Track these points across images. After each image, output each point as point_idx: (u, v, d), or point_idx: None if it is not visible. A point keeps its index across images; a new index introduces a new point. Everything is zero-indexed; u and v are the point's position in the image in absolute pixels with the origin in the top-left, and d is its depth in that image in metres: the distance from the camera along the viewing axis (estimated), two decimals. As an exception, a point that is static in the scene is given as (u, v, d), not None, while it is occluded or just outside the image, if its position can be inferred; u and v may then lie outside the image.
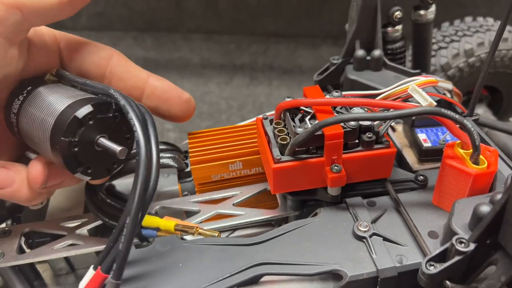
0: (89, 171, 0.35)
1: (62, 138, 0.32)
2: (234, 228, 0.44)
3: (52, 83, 0.38)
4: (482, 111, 0.80)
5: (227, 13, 1.39)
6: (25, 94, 0.36)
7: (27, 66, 0.36)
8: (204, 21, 1.41)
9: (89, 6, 1.39)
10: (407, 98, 0.39)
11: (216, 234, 0.38)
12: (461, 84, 0.72)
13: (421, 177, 0.39)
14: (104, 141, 0.34)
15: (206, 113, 1.11)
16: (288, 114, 0.38)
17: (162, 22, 1.43)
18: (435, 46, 0.74)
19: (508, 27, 0.74)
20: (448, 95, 0.42)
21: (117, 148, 0.33)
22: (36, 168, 0.35)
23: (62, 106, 0.34)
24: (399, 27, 0.51)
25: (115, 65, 0.39)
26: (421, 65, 0.56)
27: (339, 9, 1.31)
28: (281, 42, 1.38)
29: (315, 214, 0.38)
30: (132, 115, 0.32)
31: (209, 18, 1.41)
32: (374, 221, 0.36)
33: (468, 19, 0.78)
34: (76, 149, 0.33)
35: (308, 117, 0.37)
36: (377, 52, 0.48)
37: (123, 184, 0.52)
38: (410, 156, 0.42)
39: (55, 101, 0.34)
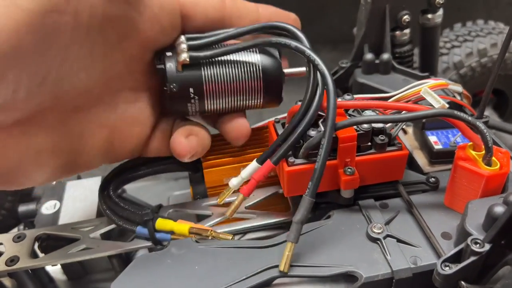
0: None
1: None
2: (245, 231, 0.44)
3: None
4: (488, 114, 0.80)
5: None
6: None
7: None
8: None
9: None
10: (418, 101, 0.39)
11: (230, 237, 0.38)
12: (473, 83, 0.73)
13: (433, 179, 0.39)
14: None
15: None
16: (300, 117, 0.38)
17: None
18: (448, 45, 0.75)
19: None
20: (458, 97, 0.42)
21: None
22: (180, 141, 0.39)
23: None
24: (407, 30, 0.51)
25: (230, 4, 0.39)
26: (429, 68, 0.57)
27: (338, 15, 1.32)
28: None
29: (328, 217, 0.39)
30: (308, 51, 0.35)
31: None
32: (387, 223, 0.37)
33: (480, 21, 0.79)
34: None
35: (321, 120, 0.38)
36: (385, 56, 0.49)
37: (134, 188, 0.53)
38: (421, 159, 0.42)
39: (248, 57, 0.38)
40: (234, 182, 0.38)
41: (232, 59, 0.38)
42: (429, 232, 0.35)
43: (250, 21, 0.40)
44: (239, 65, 0.38)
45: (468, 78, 0.72)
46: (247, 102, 0.40)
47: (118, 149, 0.39)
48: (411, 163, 0.43)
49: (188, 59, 0.36)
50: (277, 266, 0.34)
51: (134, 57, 0.37)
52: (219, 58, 0.38)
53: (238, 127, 0.41)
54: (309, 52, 0.35)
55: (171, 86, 0.37)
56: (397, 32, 0.51)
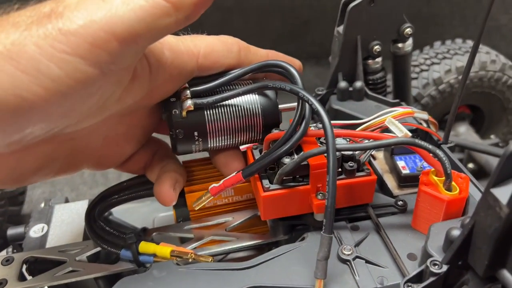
0: None
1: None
2: (227, 252, 0.46)
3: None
4: (464, 129, 0.84)
5: (212, 35, 1.44)
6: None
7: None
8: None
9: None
10: (386, 128, 0.42)
11: (210, 260, 0.40)
12: (452, 99, 0.76)
13: (401, 202, 0.42)
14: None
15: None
16: (276, 145, 0.41)
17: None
18: (428, 62, 0.78)
19: (494, 51, 0.79)
20: (424, 124, 0.45)
21: None
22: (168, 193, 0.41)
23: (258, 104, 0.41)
24: (379, 59, 0.54)
25: (244, 57, 0.41)
26: (401, 94, 0.60)
27: (320, 31, 1.36)
28: (266, 63, 1.43)
29: (303, 239, 0.41)
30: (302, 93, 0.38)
31: (197, 39, 1.46)
32: (357, 245, 0.39)
33: (459, 40, 0.83)
34: None
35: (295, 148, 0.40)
36: (358, 84, 0.52)
37: (120, 210, 0.54)
38: (390, 182, 0.45)
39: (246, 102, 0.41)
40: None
41: (233, 104, 0.41)
42: (395, 253, 0.37)
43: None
44: (239, 105, 0.41)
45: (446, 94, 0.75)
46: (247, 138, 0.43)
47: (97, 165, 0.42)
48: (382, 186, 0.46)
49: (192, 106, 0.39)
50: (253, 287, 0.36)
51: (140, 107, 0.39)
52: (221, 105, 0.40)
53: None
54: (302, 93, 0.38)
55: (177, 132, 0.39)
56: (370, 61, 0.54)
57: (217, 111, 0.40)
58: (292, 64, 0.42)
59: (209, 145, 0.42)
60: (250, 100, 0.41)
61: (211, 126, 0.40)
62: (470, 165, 0.73)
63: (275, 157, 0.38)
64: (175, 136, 0.40)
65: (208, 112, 0.40)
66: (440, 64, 0.76)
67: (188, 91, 0.39)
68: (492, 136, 0.82)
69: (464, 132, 0.80)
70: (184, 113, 0.39)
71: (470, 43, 0.82)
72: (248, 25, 1.43)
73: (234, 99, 0.41)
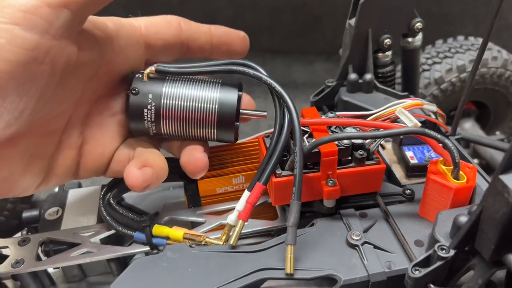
0: None
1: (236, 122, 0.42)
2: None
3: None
4: (470, 125, 0.84)
5: (224, 30, 1.46)
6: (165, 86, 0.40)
7: (120, 58, 0.40)
8: (202, 38, 1.47)
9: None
10: (396, 119, 0.43)
11: (221, 243, 0.41)
12: (454, 98, 0.77)
13: (408, 191, 0.43)
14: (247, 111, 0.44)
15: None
16: (287, 132, 0.42)
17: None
18: (429, 61, 0.79)
19: (497, 47, 0.79)
20: (433, 116, 0.46)
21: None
22: (134, 176, 0.40)
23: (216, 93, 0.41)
24: (388, 53, 0.55)
25: (186, 29, 0.43)
26: (410, 87, 0.60)
27: (331, 27, 1.37)
28: (277, 58, 1.43)
29: (312, 224, 0.42)
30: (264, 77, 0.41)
31: (207, 35, 1.47)
32: (365, 231, 0.40)
33: (460, 37, 0.83)
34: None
35: (306, 135, 0.41)
36: (368, 76, 0.53)
37: (132, 197, 0.56)
38: (398, 172, 0.46)
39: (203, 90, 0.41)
40: (232, 218, 0.39)
41: (192, 89, 0.41)
42: (403, 239, 0.38)
43: (204, 41, 0.44)
44: (198, 97, 0.41)
45: (449, 92, 0.76)
46: (201, 132, 0.42)
47: (83, 168, 0.42)
48: (390, 176, 0.47)
49: (154, 69, 0.40)
50: (264, 269, 0.37)
51: (101, 85, 0.41)
52: (181, 84, 0.41)
53: (194, 161, 0.42)
54: (265, 78, 0.41)
55: (133, 90, 0.40)
56: (380, 54, 0.55)
57: (175, 89, 0.41)
58: (236, 35, 0.45)
59: (162, 127, 0.41)
60: (210, 97, 0.41)
61: (166, 100, 0.40)
62: (475, 161, 0.74)
63: (277, 156, 0.39)
64: (130, 94, 0.40)
65: (167, 89, 0.41)
66: (441, 63, 0.76)
67: (154, 66, 0.41)
68: (498, 133, 0.83)
69: (469, 128, 0.81)
70: (145, 77, 0.41)
71: (472, 40, 0.83)
72: (259, 21, 1.43)
73: (195, 91, 0.41)
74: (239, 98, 0.42)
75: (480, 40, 0.81)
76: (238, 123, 0.43)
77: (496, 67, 0.74)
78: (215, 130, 0.42)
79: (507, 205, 0.28)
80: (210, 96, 0.41)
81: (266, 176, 0.39)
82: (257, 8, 1.41)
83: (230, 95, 0.41)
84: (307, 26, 1.42)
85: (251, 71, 0.41)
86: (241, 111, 0.43)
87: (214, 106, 0.41)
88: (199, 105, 0.41)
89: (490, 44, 0.80)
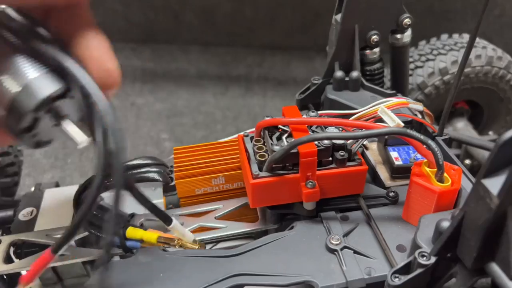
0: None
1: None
2: (217, 240, 0.46)
3: None
4: (463, 125, 0.82)
5: (223, 25, 1.43)
6: None
7: None
8: (201, 33, 1.45)
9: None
10: (380, 118, 0.41)
11: (197, 247, 0.40)
12: (439, 101, 0.75)
13: (392, 193, 0.41)
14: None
15: (202, 123, 1.13)
16: (267, 132, 0.40)
17: (160, 34, 1.46)
18: (412, 66, 0.77)
19: (482, 43, 0.77)
20: (420, 116, 0.44)
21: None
22: None
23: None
24: (376, 49, 0.53)
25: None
26: (399, 85, 0.59)
27: (331, 24, 1.35)
28: (276, 55, 1.41)
29: (292, 228, 0.40)
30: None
31: (206, 30, 1.44)
32: (346, 235, 0.38)
33: (444, 36, 0.81)
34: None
35: (285, 135, 0.39)
36: (355, 74, 0.51)
37: (111, 196, 0.54)
38: (383, 173, 0.44)
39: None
40: None
41: None
42: (385, 244, 0.37)
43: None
44: None
45: (433, 96, 0.73)
46: None
47: None
48: (375, 177, 0.45)
49: None
50: (239, 275, 0.36)
51: None
52: None
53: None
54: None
55: None
56: (367, 51, 0.53)
57: None
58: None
59: None
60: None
61: None
62: (467, 161, 0.72)
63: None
64: None
65: None
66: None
67: None
68: (491, 133, 0.81)
69: (462, 128, 0.79)
70: None
71: (455, 37, 0.79)
72: (259, 16, 1.41)
73: None
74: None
75: (465, 36, 0.78)
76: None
77: (481, 65, 0.72)
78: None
79: (489, 211, 0.27)
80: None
81: (59, 245, 0.32)
82: (256, 4, 1.39)
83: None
84: (307, 22, 1.40)
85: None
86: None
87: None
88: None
89: (494, 46, 0.77)
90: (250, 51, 1.41)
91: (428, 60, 0.74)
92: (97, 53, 0.33)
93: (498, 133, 0.81)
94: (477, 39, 0.77)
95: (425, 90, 0.72)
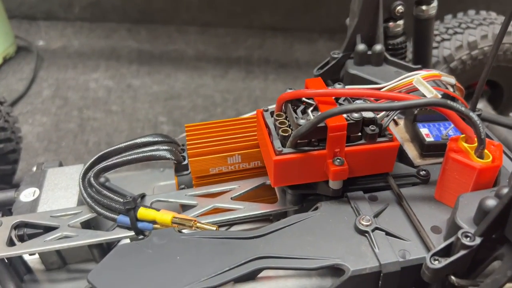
0: None
1: None
2: (231, 223, 0.43)
3: None
4: (482, 106, 0.80)
5: (223, 5, 1.39)
6: None
7: None
8: (199, 13, 1.40)
9: (82, -2, 1.38)
10: (410, 91, 0.38)
11: (214, 228, 0.37)
12: (464, 77, 0.72)
13: (423, 172, 0.38)
14: None
15: (201, 106, 1.10)
16: (290, 105, 0.37)
17: (157, 13, 1.42)
18: (438, 38, 0.74)
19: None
20: (451, 89, 0.41)
21: None
22: None
23: None
24: (400, 22, 0.50)
25: None
26: (422, 60, 0.56)
27: (336, 3, 1.31)
28: (278, 36, 1.38)
29: (316, 208, 0.38)
30: None
31: (205, 10, 1.40)
32: (376, 216, 0.36)
33: (471, 12, 0.78)
34: None
35: (311, 108, 0.37)
36: (378, 47, 0.48)
37: (118, 178, 0.51)
38: (411, 151, 0.42)
39: None
40: None
41: None
42: (419, 225, 0.34)
43: None
44: None
45: (459, 71, 0.71)
46: None
47: None
48: (402, 156, 0.42)
49: None
50: (262, 258, 0.33)
51: None
52: None
53: None
54: None
55: None
56: (391, 23, 0.50)
57: None
58: None
59: None
60: None
61: None
62: (491, 141, 0.70)
63: None
64: None
65: None
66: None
67: None
68: (511, 114, 0.78)
69: (481, 109, 0.76)
70: None
71: (484, 14, 0.77)
72: (262, -5, 1.37)
73: None
74: None
75: (493, 14, 0.75)
76: None
77: (510, 42, 0.69)
78: None
79: (548, 186, 0.24)
80: None
81: None
82: (258, -17, 1.35)
83: None
84: (309, 3, 1.36)
85: None
86: None
87: None
88: None
89: (502, 18, 0.74)
90: (250, 32, 1.38)
91: (456, 33, 0.71)
92: None
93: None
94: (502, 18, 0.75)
95: (451, 64, 0.69)
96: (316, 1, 1.36)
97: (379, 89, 0.40)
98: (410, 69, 0.47)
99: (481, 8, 0.81)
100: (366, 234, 0.34)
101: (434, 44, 0.71)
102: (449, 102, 0.32)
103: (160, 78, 1.20)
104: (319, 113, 0.35)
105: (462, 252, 0.29)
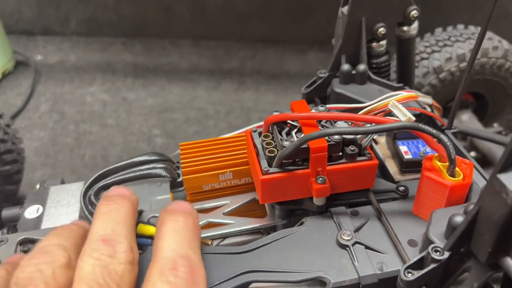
0: None
1: None
2: (224, 236, 0.45)
3: None
4: (467, 117, 0.82)
5: (215, 18, 1.42)
6: None
7: None
8: (192, 26, 1.44)
9: (78, 12, 1.41)
10: (389, 112, 0.41)
11: (209, 242, 0.39)
12: (452, 87, 0.74)
13: (402, 187, 0.41)
14: None
15: (194, 119, 1.12)
16: (275, 127, 0.40)
17: (151, 27, 1.45)
18: (428, 50, 0.76)
19: (498, 37, 0.77)
20: (429, 109, 0.44)
21: None
22: None
23: None
24: (383, 42, 0.53)
25: None
26: (405, 78, 0.58)
27: (325, 16, 1.34)
28: (269, 48, 1.41)
29: (302, 223, 0.40)
30: None
31: (197, 23, 1.43)
32: (357, 230, 0.38)
33: (460, 26, 0.81)
34: None
35: (295, 130, 0.39)
36: (362, 67, 0.50)
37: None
38: (392, 167, 0.44)
39: None
40: None
41: None
42: (396, 239, 0.37)
43: None
44: None
45: (447, 82, 0.73)
46: None
47: None
48: (383, 171, 0.45)
49: None
50: (250, 272, 0.35)
51: None
52: None
53: None
54: None
55: None
56: (374, 44, 0.53)
57: None
58: None
59: None
60: None
61: None
62: (472, 153, 0.72)
63: None
64: None
65: None
66: (440, 52, 0.74)
67: None
68: (495, 125, 0.81)
69: (467, 120, 0.79)
70: None
71: (472, 29, 0.80)
72: (251, 9, 1.40)
73: None
74: None
75: (479, 28, 0.78)
76: None
77: (497, 57, 0.72)
78: None
79: (505, 206, 0.27)
80: None
81: None
82: (248, -4, 1.38)
83: None
84: (300, 15, 1.39)
85: None
86: None
87: None
88: None
89: (490, 34, 0.77)
90: (242, 44, 1.41)
91: (445, 45, 0.74)
92: None
93: (503, 126, 0.81)
94: (491, 34, 0.78)
95: (440, 74, 0.72)
96: (306, 13, 1.39)
97: (360, 109, 0.43)
98: (392, 88, 0.50)
99: (466, 18, 0.84)
100: (347, 248, 0.36)
101: (425, 55, 0.74)
102: (420, 125, 0.35)
103: (154, 90, 1.23)
104: (302, 135, 0.37)
105: (432, 266, 0.32)
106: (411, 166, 0.43)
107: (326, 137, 0.37)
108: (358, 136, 0.38)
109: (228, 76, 1.30)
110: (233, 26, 1.44)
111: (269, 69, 1.31)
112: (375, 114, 0.41)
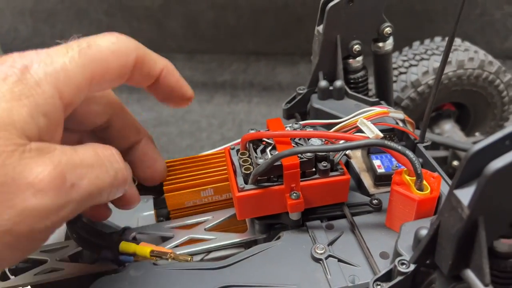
0: None
1: None
2: (208, 251, 0.47)
3: None
4: (450, 126, 0.84)
5: (207, 33, 1.44)
6: None
7: None
8: (185, 41, 1.46)
9: (73, 29, 1.43)
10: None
11: (189, 259, 0.41)
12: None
13: (376, 200, 0.42)
14: None
15: (187, 132, 1.14)
16: (251, 145, 0.41)
17: (144, 43, 1.47)
18: (406, 64, 0.78)
19: (474, 47, 0.79)
20: (401, 124, 0.45)
21: None
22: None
23: None
24: (359, 58, 0.55)
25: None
26: (383, 92, 0.60)
27: (314, 28, 1.36)
28: (261, 60, 1.43)
29: (278, 238, 0.41)
30: None
31: (190, 38, 1.46)
32: (331, 243, 0.39)
33: (438, 38, 0.82)
34: None
35: (269, 148, 0.41)
36: (338, 83, 0.52)
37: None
38: (367, 180, 0.45)
39: None
40: None
41: None
42: (368, 252, 0.38)
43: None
44: None
45: (426, 95, 0.75)
46: None
47: None
48: (359, 184, 0.46)
49: None
50: (227, 287, 0.37)
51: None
52: None
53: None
54: None
55: None
56: (350, 60, 0.54)
57: None
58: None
59: None
60: None
61: None
62: (455, 163, 0.73)
63: None
64: None
65: None
66: (417, 66, 0.76)
67: None
68: (477, 134, 0.82)
69: (449, 130, 0.80)
70: None
71: (468, 44, 0.82)
72: (242, 23, 1.43)
73: None
74: None
75: (458, 40, 0.80)
76: None
77: (473, 68, 0.73)
78: None
79: (461, 220, 0.28)
80: None
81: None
82: (239, 10, 1.40)
83: None
84: (290, 27, 1.42)
85: None
86: None
87: None
88: None
89: (467, 45, 0.79)
90: (235, 57, 1.43)
91: (422, 59, 0.75)
92: (151, 156, 0.44)
93: (485, 134, 0.83)
94: (468, 44, 0.79)
95: (418, 88, 0.73)
96: (296, 27, 1.41)
97: (335, 124, 0.44)
98: (368, 103, 0.51)
99: (448, 29, 0.85)
100: (320, 262, 0.38)
101: (403, 70, 0.76)
102: (385, 141, 0.36)
103: (149, 105, 1.25)
104: (276, 152, 0.39)
105: (399, 278, 0.33)
106: (384, 180, 0.44)
107: (299, 154, 0.39)
108: (330, 152, 0.40)
109: (221, 89, 1.32)
110: (225, 40, 1.46)
111: (261, 81, 1.33)
112: (348, 130, 0.42)
